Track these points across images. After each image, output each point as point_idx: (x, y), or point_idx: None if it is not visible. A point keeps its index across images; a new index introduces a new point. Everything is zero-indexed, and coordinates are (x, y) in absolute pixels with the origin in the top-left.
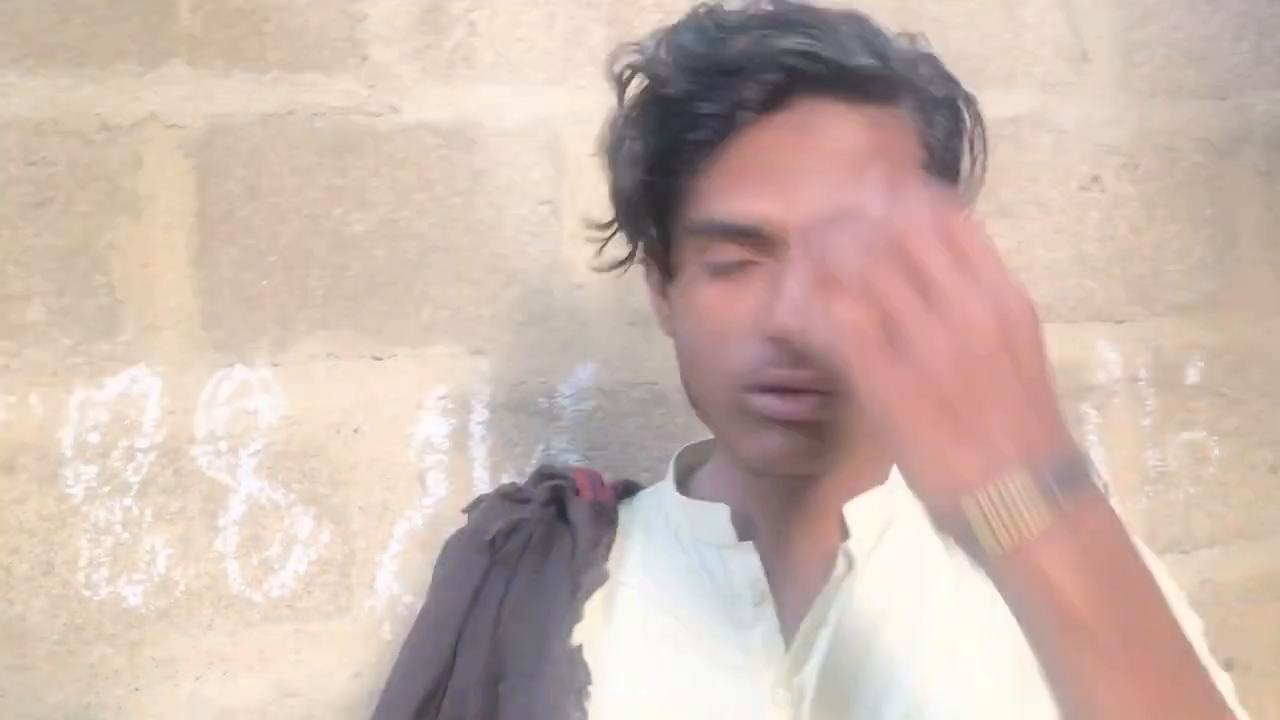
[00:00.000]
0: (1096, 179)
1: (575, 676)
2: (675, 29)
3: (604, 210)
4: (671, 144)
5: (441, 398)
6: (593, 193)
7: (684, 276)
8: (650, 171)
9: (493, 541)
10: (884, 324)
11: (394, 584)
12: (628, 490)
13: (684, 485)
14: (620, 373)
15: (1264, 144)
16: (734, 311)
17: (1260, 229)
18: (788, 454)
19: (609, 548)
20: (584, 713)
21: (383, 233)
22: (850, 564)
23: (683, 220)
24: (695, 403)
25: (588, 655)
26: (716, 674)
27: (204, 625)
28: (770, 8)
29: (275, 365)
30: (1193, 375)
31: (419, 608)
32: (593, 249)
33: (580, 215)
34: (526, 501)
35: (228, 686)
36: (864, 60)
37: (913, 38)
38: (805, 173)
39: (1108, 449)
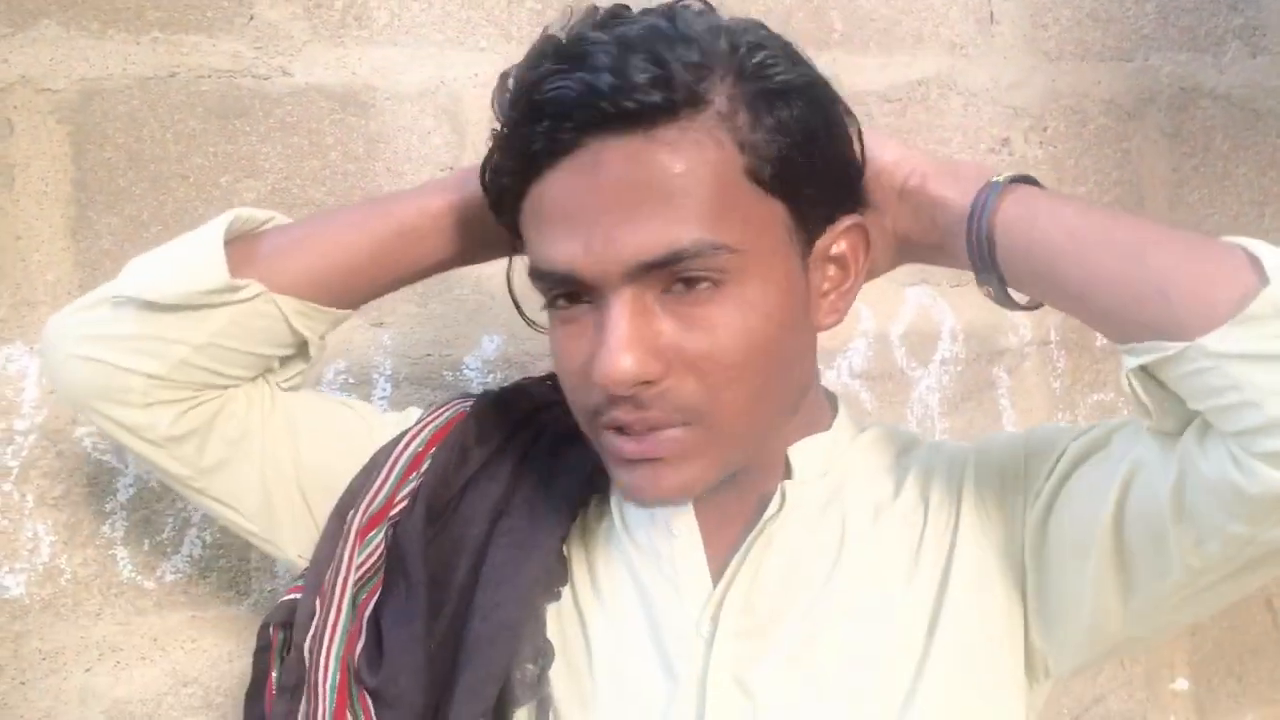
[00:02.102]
0: (1006, 141)
1: (557, 575)
2: (526, 59)
3: None
4: (500, 184)
5: (341, 372)
6: None
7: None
8: (493, 207)
9: (532, 410)
10: None
11: (296, 566)
12: None
13: None
14: (528, 343)
15: (1168, 105)
16: (576, 352)
17: (1165, 189)
18: (652, 488)
19: None
20: (557, 596)
21: (275, 201)
22: (783, 503)
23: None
24: None
25: (569, 551)
26: (651, 605)
27: (93, 615)
28: (582, 33)
29: None
30: (1101, 337)
31: None
32: None
33: None
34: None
35: (120, 677)
36: (640, 94)
37: (740, 29)
38: (599, 212)
39: (1019, 412)
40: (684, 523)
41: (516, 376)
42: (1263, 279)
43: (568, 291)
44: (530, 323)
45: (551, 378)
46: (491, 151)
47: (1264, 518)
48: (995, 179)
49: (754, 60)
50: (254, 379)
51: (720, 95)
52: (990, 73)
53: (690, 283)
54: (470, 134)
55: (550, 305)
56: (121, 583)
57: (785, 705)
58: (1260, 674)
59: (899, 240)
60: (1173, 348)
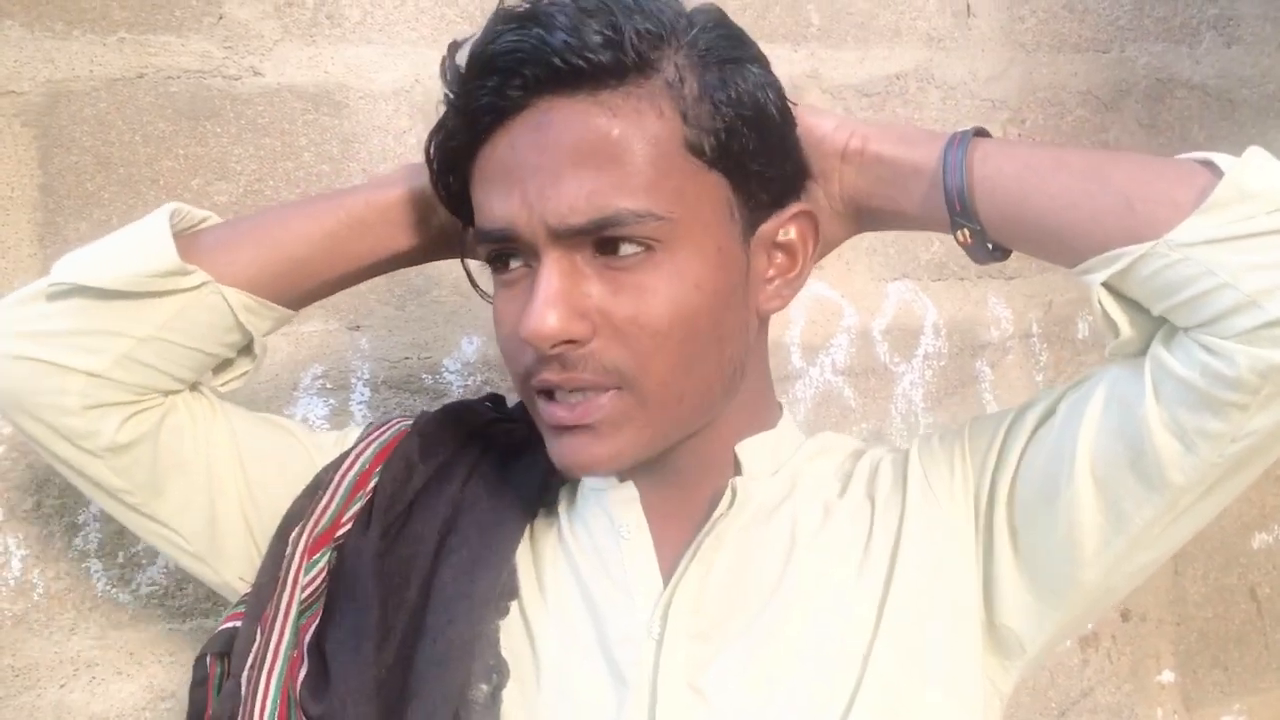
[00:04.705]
0: None
1: (507, 588)
2: (483, 29)
3: None
4: (449, 150)
5: (319, 377)
6: None
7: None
8: (439, 171)
9: (478, 426)
10: None
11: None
12: None
13: None
14: None
15: (1145, 96)
16: (510, 315)
17: None
18: (581, 457)
19: None
20: (506, 610)
21: (248, 204)
22: (733, 500)
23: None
24: None
25: (517, 561)
26: (597, 611)
27: (67, 630)
28: None
29: None
30: (1083, 329)
31: None
32: None
33: None
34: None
35: (96, 693)
36: (591, 53)
37: (699, 10)
38: (539, 171)
39: (1003, 405)
40: (633, 522)
41: (496, 379)
42: (1218, 174)
43: (508, 252)
44: (484, 295)
45: (492, 398)
46: (442, 121)
47: (1242, 406)
48: (959, 131)
49: (707, 37)
50: (193, 386)
51: (669, 65)
52: (968, 65)
53: (619, 248)
54: None
55: (494, 271)
56: (96, 596)
57: (739, 708)
58: (1245, 664)
59: (847, 204)
60: (1141, 248)
